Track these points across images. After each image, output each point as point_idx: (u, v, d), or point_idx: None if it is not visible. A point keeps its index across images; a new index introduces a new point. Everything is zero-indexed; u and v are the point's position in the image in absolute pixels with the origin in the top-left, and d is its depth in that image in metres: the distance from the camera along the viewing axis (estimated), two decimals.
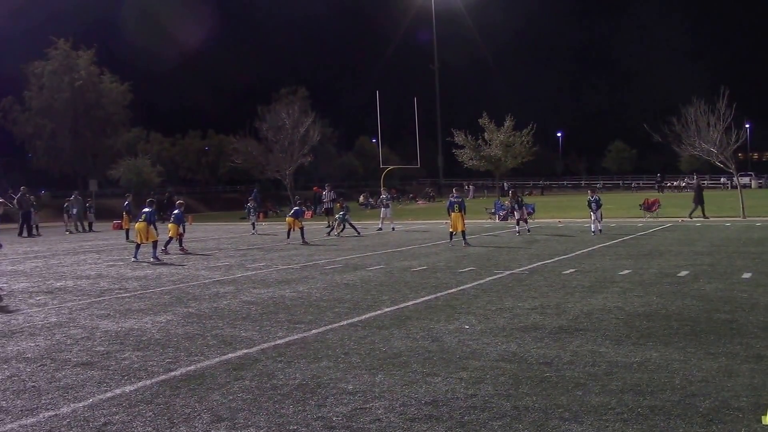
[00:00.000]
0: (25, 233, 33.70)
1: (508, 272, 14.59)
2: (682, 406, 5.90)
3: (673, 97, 38.59)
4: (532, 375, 6.94)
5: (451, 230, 21.47)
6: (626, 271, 14.12)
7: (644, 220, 30.89)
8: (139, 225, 19.24)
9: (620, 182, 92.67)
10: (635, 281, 12.78)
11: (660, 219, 30.94)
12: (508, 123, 51.85)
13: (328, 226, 29.00)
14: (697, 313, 9.64)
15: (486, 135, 52.85)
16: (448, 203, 21.83)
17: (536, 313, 10.00)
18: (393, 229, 29.55)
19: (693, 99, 32.84)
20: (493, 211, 35.90)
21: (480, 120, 53.18)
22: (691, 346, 7.85)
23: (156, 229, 19.57)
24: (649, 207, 32.38)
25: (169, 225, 22.26)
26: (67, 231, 37.10)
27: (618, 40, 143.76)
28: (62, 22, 65.48)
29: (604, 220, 24.83)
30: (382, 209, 30.08)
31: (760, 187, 72.44)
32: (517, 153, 52.42)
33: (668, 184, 76.77)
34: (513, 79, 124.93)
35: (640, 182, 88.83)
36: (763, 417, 5.52)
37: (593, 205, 23.97)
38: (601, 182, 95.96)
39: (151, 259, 18.84)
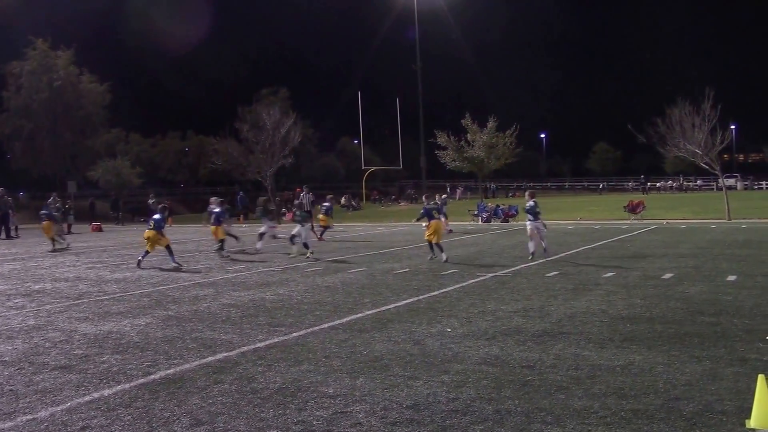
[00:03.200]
0: (3, 235, 33.30)
1: (491, 274, 14.55)
2: (666, 409, 5.87)
3: (658, 98, 38.69)
4: (514, 378, 6.89)
5: (430, 240, 17.80)
6: (610, 274, 14.12)
7: (629, 222, 31.03)
8: (148, 233, 18.10)
9: (603, 184, 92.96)
10: (619, 284, 12.77)
11: (645, 221, 31.09)
12: (491, 124, 51.83)
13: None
14: (682, 316, 9.64)
15: (469, 136, 52.86)
16: (423, 211, 18.38)
17: (519, 316, 9.95)
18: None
19: (678, 100, 32.99)
20: (476, 212, 35.94)
21: (463, 121, 53.19)
22: (675, 349, 7.83)
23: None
24: (633, 209, 32.53)
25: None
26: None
27: (602, 40, 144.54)
28: (40, 22, 64.91)
29: (588, 221, 24.76)
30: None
31: (745, 188, 72.94)
32: (501, 154, 52.40)
33: (649, 185, 77.21)
34: (496, 79, 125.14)
35: (625, 184, 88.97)
36: (746, 421, 5.49)
37: (530, 214, 17.70)
38: (585, 183, 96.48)
39: (173, 264, 17.64)
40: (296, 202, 31.41)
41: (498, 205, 36.88)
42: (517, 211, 34.66)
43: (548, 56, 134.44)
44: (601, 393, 6.36)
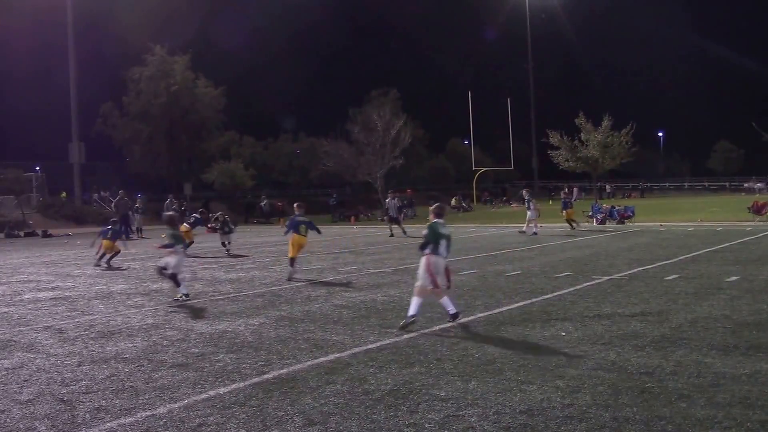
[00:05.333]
0: (132, 236, 34.84)
1: (606, 278, 14.14)
2: None
3: None
4: (632, 385, 6.66)
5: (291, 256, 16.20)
6: (734, 278, 13.45)
7: (753, 223, 29.45)
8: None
9: (727, 184, 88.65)
10: (744, 288, 12.14)
11: None
12: (605, 123, 50.49)
13: (391, 235, 28.95)
14: None
15: (583, 135, 51.68)
16: (289, 222, 16.90)
17: (637, 321, 9.62)
18: (535, 233, 27.18)
19: None
20: (590, 213, 35.04)
21: (576, 120, 52.03)
22: None
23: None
24: (758, 210, 30.89)
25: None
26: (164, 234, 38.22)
27: (723, 36, 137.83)
28: (158, 28, 67.47)
29: (709, 223, 23.67)
30: (529, 212, 28.25)
31: None
32: (616, 154, 50.96)
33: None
34: (611, 77, 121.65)
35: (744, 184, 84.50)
36: None
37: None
38: (706, 183, 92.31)
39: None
40: (387, 207, 31.45)
41: (613, 206, 35.82)
42: (633, 212, 33.60)
43: (666, 53, 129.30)
44: (725, 402, 6.07)
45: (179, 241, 13.68)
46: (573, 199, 34.36)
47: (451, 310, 9.83)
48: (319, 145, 64.30)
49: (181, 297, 13.01)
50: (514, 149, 45.63)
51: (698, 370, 7.07)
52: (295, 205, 17.25)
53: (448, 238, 10.09)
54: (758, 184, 77.00)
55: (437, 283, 9.81)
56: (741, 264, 15.62)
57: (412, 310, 9.75)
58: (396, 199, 32.22)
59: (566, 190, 37.29)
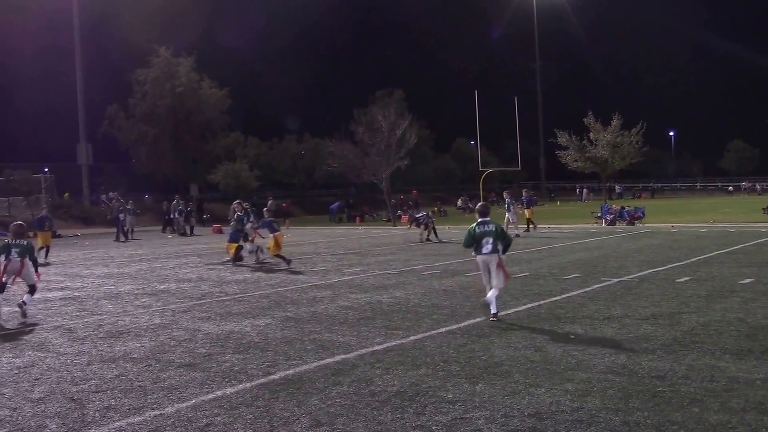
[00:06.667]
0: (122, 238, 34.76)
1: (616, 279, 13.99)
2: None
3: None
4: (643, 389, 6.54)
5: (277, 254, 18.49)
6: (748, 280, 13.25)
7: None
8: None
9: (741, 184, 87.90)
10: (758, 291, 11.96)
11: None
12: (615, 122, 50.30)
13: (421, 237, 28.11)
14: None
15: (591, 135, 51.50)
16: (264, 224, 19.28)
17: (647, 324, 9.48)
18: (517, 235, 26.88)
19: None
20: (599, 214, 34.84)
21: (585, 119, 51.86)
22: None
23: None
24: None
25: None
26: (169, 235, 38.37)
27: (735, 33, 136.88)
28: (162, 30, 67.50)
29: (722, 224, 23.46)
30: (507, 214, 28.21)
31: None
32: (626, 154, 50.77)
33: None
34: (620, 75, 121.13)
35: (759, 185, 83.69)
36: None
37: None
38: (719, 183, 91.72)
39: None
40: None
41: (623, 207, 35.62)
42: (643, 213, 33.40)
43: (676, 50, 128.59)
44: (739, 407, 5.94)
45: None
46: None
47: (493, 309, 10.14)
48: (323, 145, 64.09)
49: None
50: (521, 149, 45.31)
51: (711, 374, 6.93)
52: (270, 199, 19.35)
53: (491, 234, 10.37)
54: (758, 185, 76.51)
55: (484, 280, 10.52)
56: (755, 266, 15.40)
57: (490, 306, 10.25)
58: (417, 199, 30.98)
59: (525, 190, 36.09)
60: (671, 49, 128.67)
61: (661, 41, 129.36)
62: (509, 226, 26.99)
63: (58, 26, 59.46)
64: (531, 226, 29.60)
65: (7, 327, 11.14)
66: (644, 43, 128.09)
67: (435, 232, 26.78)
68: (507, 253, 10.76)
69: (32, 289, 12.16)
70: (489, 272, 10.44)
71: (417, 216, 29.30)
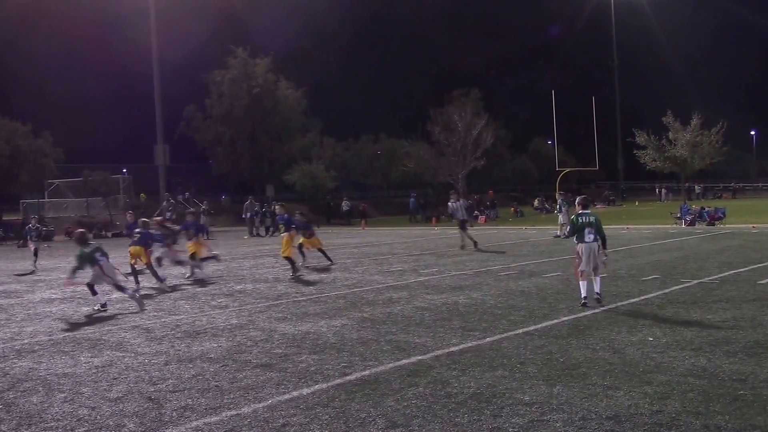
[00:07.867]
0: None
1: (696, 281, 13.72)
2: None
3: None
4: (724, 392, 6.47)
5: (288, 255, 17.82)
6: None
7: None
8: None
9: None
10: None
11: None
12: (695, 121, 49.08)
13: (462, 247, 24.06)
14: None
15: (670, 134, 50.36)
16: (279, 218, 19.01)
17: (728, 326, 9.31)
18: (557, 236, 26.58)
19: None
20: (678, 215, 34.02)
21: (664, 119, 50.74)
22: None
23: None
24: None
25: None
26: (245, 236, 39.04)
27: None
28: (240, 31, 68.41)
29: None
30: (559, 215, 28.35)
31: None
32: (705, 153, 49.47)
33: None
34: (700, 74, 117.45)
35: None
36: None
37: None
38: None
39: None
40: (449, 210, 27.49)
41: (703, 207, 34.68)
42: (724, 213, 32.43)
43: (759, 48, 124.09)
44: None
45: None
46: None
47: (590, 295, 11.33)
48: (399, 146, 64.13)
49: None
50: (598, 149, 44.49)
51: None
52: (275, 205, 19.39)
53: (590, 224, 11.38)
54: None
55: (577, 266, 11.41)
56: None
57: (582, 292, 11.33)
58: (461, 201, 26.72)
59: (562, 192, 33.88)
60: (753, 48, 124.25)
61: (742, 39, 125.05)
62: (562, 228, 26.54)
63: (136, 28, 60.94)
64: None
65: (86, 327, 11.53)
66: (723, 40, 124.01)
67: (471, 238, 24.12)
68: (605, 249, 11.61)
69: (120, 288, 13.19)
70: (591, 260, 11.30)
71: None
